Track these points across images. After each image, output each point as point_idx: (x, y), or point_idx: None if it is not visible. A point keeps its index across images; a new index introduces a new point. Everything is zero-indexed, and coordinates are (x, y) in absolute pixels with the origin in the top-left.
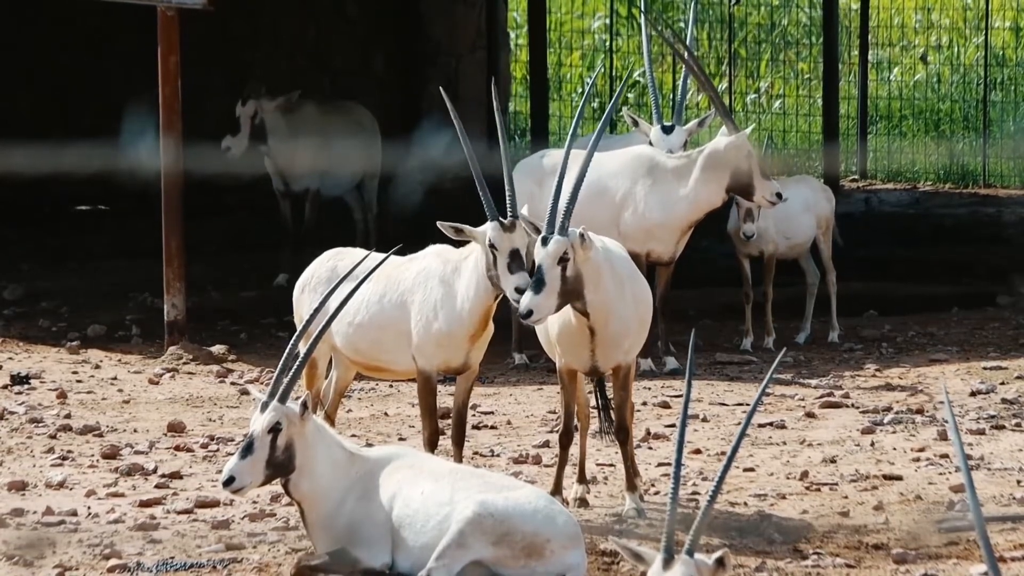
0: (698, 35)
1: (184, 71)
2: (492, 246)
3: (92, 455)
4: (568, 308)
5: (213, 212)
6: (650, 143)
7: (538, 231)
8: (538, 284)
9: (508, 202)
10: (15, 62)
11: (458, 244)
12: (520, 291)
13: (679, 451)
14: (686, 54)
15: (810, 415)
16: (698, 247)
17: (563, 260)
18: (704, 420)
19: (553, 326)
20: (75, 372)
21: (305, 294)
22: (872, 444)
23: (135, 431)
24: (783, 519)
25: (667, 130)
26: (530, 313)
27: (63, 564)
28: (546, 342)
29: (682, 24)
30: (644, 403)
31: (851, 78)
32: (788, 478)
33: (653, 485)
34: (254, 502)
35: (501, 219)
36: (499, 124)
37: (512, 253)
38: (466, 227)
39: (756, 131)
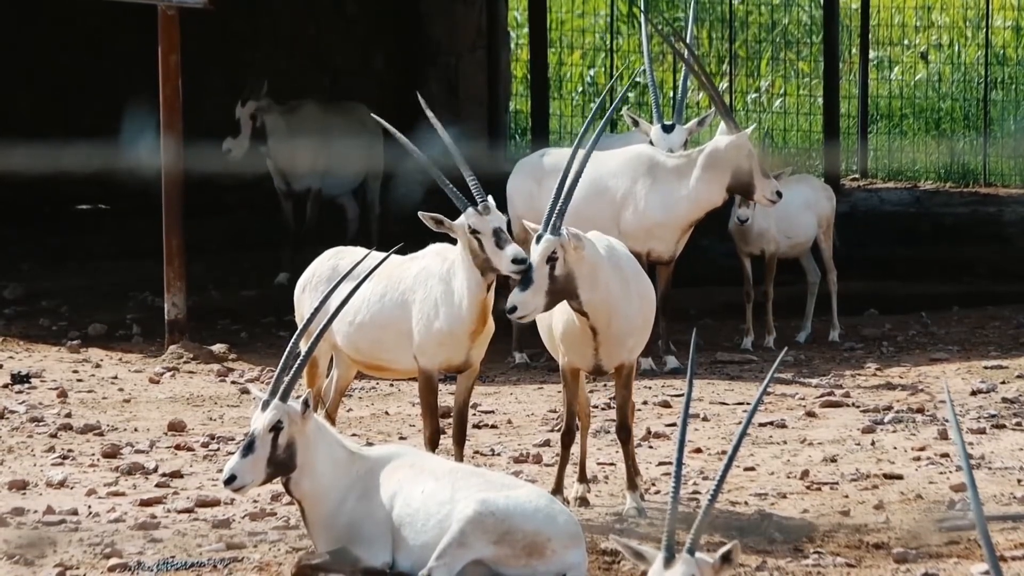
0: (698, 34)
1: (184, 70)
2: (474, 231)
3: (93, 454)
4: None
5: (213, 211)
6: (650, 142)
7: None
8: (526, 281)
9: (473, 188)
10: (15, 62)
11: (456, 242)
12: (516, 262)
13: (680, 450)
14: (686, 52)
15: (811, 414)
16: (699, 246)
17: (552, 259)
18: (705, 419)
19: (558, 325)
20: (76, 371)
21: (306, 293)
22: (873, 443)
23: (136, 430)
24: (784, 518)
25: (667, 129)
26: (515, 309)
27: (64, 563)
28: (549, 341)
29: (683, 24)
30: (645, 402)
31: (851, 77)
32: (789, 477)
33: (654, 484)
34: (255, 501)
35: (473, 206)
36: (435, 123)
37: (495, 231)
38: (446, 219)
39: (757, 130)
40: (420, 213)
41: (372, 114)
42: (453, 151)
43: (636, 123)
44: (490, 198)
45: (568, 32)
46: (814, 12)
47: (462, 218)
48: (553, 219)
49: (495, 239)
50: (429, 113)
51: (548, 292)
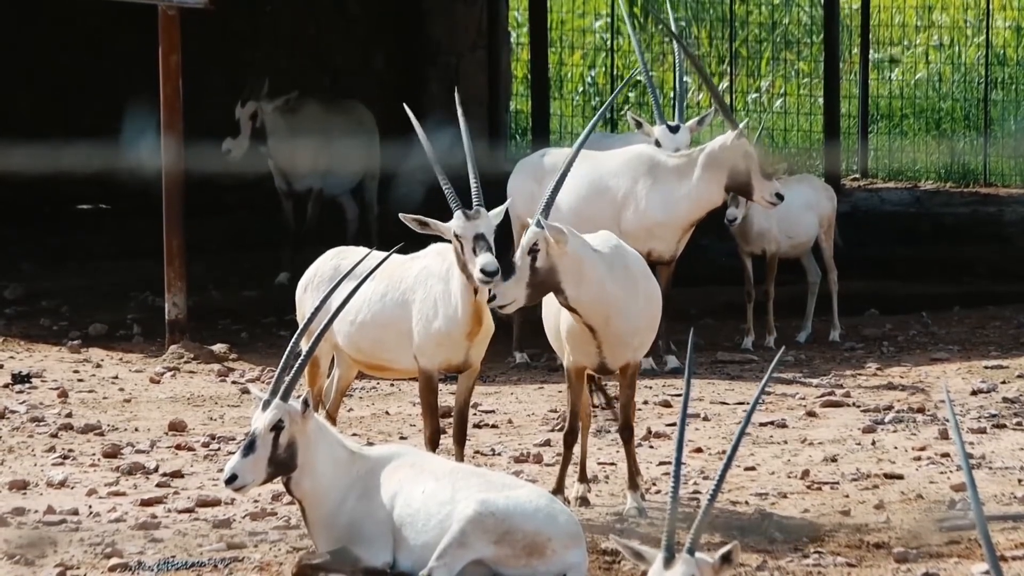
0: (699, 34)
1: (184, 70)
2: (457, 236)
3: (93, 454)
4: None
5: (214, 211)
6: (656, 143)
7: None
8: (509, 272)
9: (473, 192)
10: (15, 62)
11: None
12: (485, 272)
13: (679, 450)
14: (682, 50)
15: (811, 414)
16: (699, 246)
17: (533, 251)
18: (705, 419)
19: (563, 324)
20: (76, 371)
21: (308, 293)
22: (873, 443)
23: (136, 430)
24: (784, 518)
25: (673, 129)
26: (494, 297)
27: (64, 563)
28: (555, 341)
29: (683, 24)
30: (645, 402)
31: (852, 77)
32: (789, 477)
33: (654, 484)
34: (255, 501)
35: (465, 209)
36: (461, 121)
37: (476, 237)
38: (431, 220)
39: (755, 129)
40: (401, 215)
41: (405, 107)
42: (468, 154)
43: (639, 125)
44: (507, 203)
45: (569, 32)
46: (814, 12)
47: (451, 221)
48: (539, 213)
49: (474, 245)
50: (462, 120)
51: (529, 284)
